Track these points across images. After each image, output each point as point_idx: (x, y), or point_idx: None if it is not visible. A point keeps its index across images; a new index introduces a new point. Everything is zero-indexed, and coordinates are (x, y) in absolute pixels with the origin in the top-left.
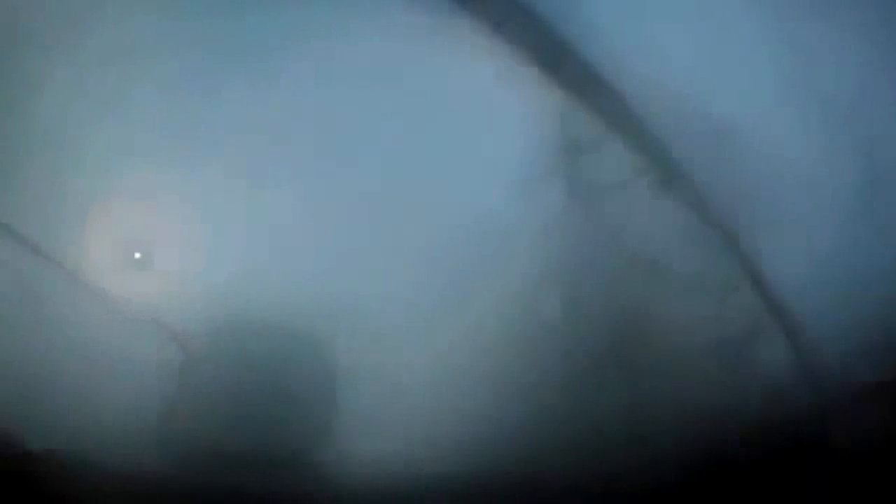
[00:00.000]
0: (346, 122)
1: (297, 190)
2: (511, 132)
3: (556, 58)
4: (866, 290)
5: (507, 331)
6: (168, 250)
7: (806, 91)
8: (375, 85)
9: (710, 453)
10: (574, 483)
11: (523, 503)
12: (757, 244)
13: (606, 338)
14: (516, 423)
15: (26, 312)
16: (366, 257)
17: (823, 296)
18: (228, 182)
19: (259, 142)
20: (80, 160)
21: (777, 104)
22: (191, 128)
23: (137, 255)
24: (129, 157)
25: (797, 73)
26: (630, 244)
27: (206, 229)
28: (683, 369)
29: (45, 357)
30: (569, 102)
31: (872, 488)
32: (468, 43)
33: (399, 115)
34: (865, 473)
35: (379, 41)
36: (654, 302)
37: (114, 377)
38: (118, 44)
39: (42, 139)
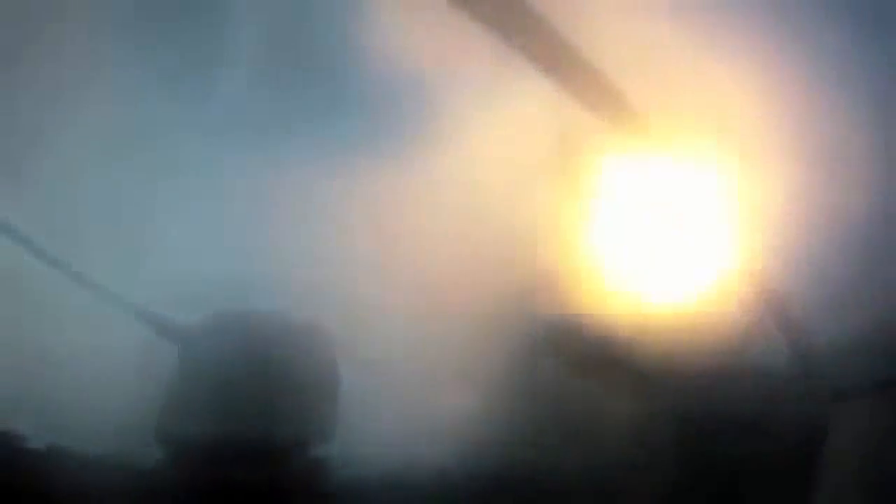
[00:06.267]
0: (345, 122)
1: (294, 187)
2: (510, 131)
3: (556, 57)
4: (866, 291)
5: (506, 329)
6: (165, 247)
7: (805, 90)
8: (374, 84)
9: (709, 453)
10: (573, 482)
11: (522, 501)
12: (757, 242)
13: (605, 337)
14: (515, 421)
15: (26, 312)
16: (363, 254)
17: (824, 295)
18: (227, 180)
19: (258, 140)
20: (78, 160)
21: (776, 103)
22: (188, 126)
23: (134, 252)
24: (127, 156)
25: (797, 73)
26: (628, 243)
27: (204, 226)
28: (683, 369)
29: (45, 356)
30: (569, 102)
31: (872, 488)
32: (467, 43)
33: (398, 115)
34: (865, 473)
35: (378, 41)
36: (653, 302)
37: (112, 375)
38: (115, 42)
39: (39, 139)
